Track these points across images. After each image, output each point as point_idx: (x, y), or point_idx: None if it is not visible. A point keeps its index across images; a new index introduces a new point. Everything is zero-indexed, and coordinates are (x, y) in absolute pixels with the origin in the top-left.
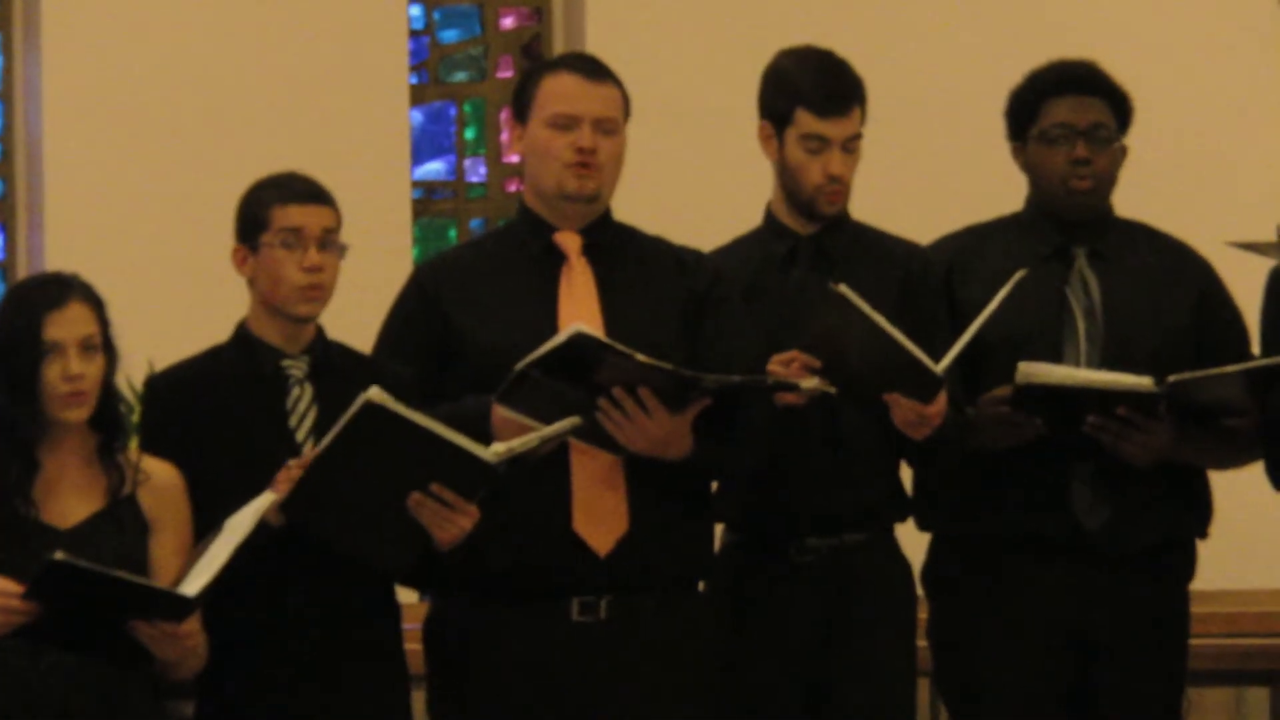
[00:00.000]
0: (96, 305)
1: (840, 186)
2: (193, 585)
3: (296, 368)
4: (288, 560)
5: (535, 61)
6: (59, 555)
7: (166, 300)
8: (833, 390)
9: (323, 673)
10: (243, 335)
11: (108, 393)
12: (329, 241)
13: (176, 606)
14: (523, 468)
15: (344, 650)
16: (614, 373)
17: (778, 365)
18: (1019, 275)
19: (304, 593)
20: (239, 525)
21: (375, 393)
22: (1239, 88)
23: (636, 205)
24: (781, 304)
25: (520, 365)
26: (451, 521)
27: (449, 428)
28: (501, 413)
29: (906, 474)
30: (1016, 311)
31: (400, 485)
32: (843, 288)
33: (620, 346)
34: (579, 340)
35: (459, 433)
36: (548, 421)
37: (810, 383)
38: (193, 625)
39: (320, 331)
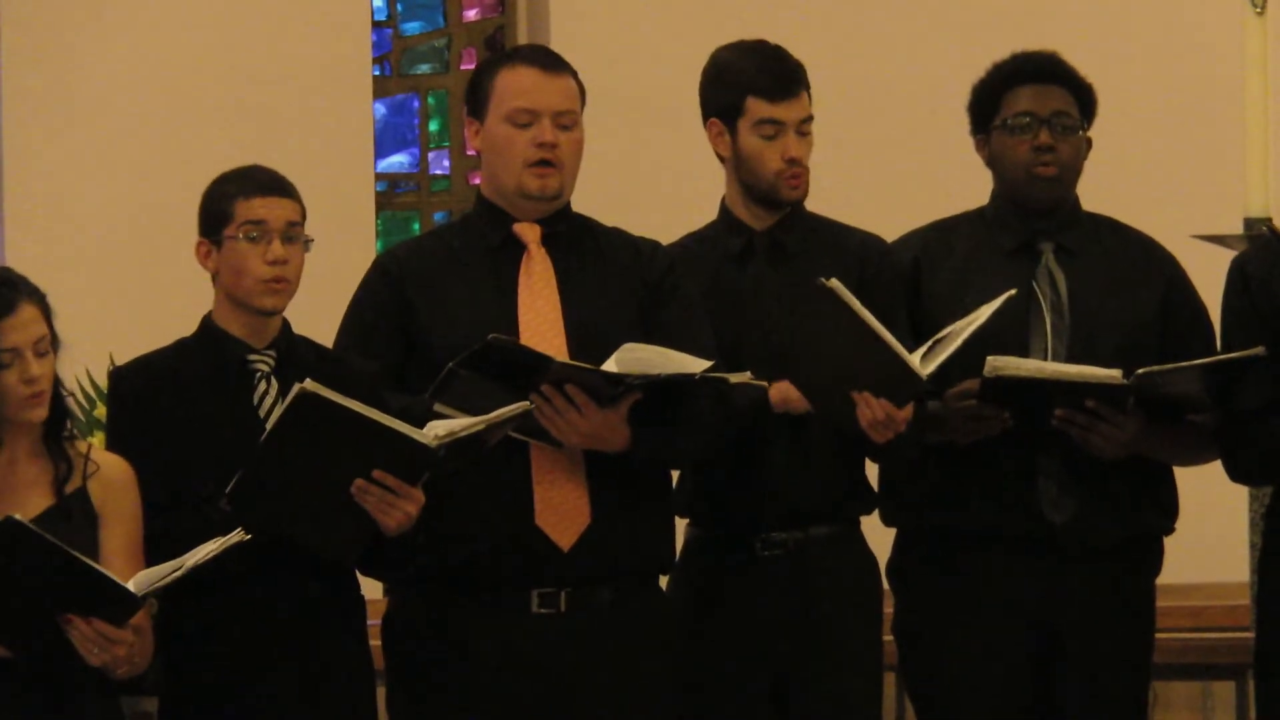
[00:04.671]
0: (41, 302)
1: (800, 170)
2: (139, 588)
3: (263, 362)
4: (251, 554)
5: (488, 55)
6: (14, 515)
7: (128, 294)
8: (765, 384)
9: (289, 666)
10: (208, 329)
11: (55, 383)
12: (293, 234)
13: (120, 602)
14: (474, 456)
15: (310, 643)
16: (543, 373)
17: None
18: (1009, 294)
19: (268, 586)
20: (198, 553)
21: (310, 381)
22: (1204, 80)
23: (600, 197)
24: (739, 299)
25: (449, 365)
26: (395, 507)
27: (387, 414)
28: (438, 410)
29: (871, 468)
30: (981, 305)
31: (342, 473)
32: (833, 282)
33: (536, 350)
34: (495, 345)
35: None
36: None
37: (739, 376)
38: (126, 635)
39: (286, 326)
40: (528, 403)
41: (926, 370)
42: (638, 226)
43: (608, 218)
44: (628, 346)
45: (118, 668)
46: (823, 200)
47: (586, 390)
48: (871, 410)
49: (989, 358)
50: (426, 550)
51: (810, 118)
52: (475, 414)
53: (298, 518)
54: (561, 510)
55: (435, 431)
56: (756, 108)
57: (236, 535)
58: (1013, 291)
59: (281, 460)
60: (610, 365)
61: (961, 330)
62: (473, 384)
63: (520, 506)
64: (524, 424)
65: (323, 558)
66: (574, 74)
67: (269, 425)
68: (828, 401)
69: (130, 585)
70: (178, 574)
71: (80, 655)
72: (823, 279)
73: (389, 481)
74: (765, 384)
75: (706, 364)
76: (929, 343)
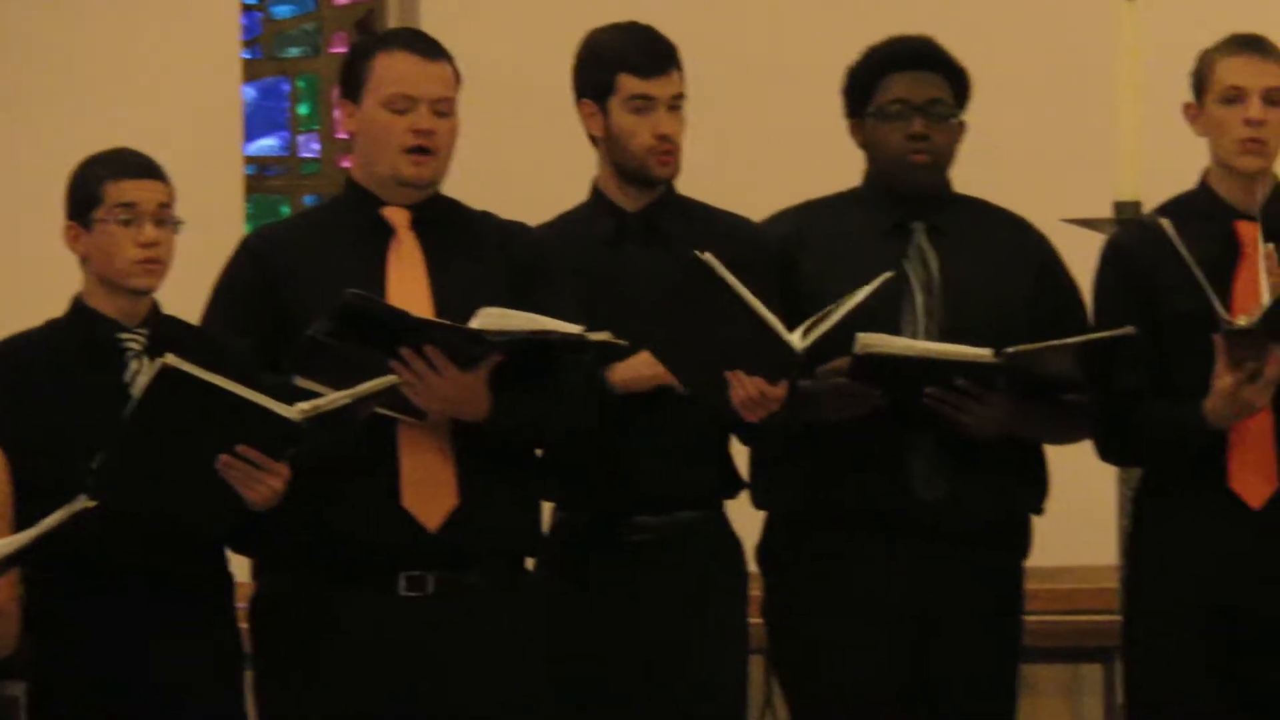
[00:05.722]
0: None
1: (671, 146)
2: None
3: (134, 341)
4: (117, 532)
5: (365, 36)
6: None
7: None
8: (623, 344)
9: (158, 648)
10: (79, 309)
11: None
12: (164, 216)
13: None
14: (343, 431)
15: (178, 625)
16: (401, 333)
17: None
18: (885, 276)
19: (136, 568)
20: (45, 522)
21: (170, 356)
22: (1075, 65)
23: (471, 180)
24: (611, 281)
25: (306, 333)
26: (260, 481)
27: (254, 388)
28: (302, 386)
29: (739, 451)
30: (854, 285)
31: (207, 448)
32: (707, 256)
33: (394, 305)
34: (351, 301)
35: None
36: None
37: (599, 335)
38: None
39: (156, 305)
40: (395, 377)
41: (801, 344)
42: (509, 210)
43: (478, 201)
44: (490, 311)
45: None
46: (695, 184)
47: (446, 351)
48: (744, 388)
49: (859, 335)
50: (294, 531)
51: (682, 95)
52: (338, 388)
53: (164, 493)
54: (428, 491)
55: (300, 405)
56: (628, 84)
57: (81, 502)
58: (889, 274)
59: (146, 436)
60: (473, 325)
61: (837, 309)
62: (335, 356)
63: (387, 487)
64: (388, 400)
65: (191, 536)
66: (451, 60)
67: (133, 400)
68: (699, 380)
69: None
70: (23, 543)
71: None
72: (697, 251)
73: (252, 455)
74: (626, 344)
75: (573, 328)
76: (806, 323)
